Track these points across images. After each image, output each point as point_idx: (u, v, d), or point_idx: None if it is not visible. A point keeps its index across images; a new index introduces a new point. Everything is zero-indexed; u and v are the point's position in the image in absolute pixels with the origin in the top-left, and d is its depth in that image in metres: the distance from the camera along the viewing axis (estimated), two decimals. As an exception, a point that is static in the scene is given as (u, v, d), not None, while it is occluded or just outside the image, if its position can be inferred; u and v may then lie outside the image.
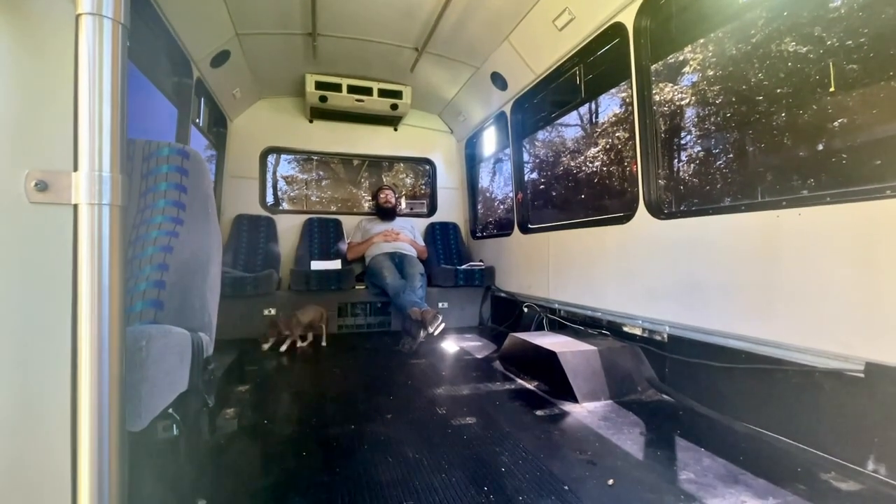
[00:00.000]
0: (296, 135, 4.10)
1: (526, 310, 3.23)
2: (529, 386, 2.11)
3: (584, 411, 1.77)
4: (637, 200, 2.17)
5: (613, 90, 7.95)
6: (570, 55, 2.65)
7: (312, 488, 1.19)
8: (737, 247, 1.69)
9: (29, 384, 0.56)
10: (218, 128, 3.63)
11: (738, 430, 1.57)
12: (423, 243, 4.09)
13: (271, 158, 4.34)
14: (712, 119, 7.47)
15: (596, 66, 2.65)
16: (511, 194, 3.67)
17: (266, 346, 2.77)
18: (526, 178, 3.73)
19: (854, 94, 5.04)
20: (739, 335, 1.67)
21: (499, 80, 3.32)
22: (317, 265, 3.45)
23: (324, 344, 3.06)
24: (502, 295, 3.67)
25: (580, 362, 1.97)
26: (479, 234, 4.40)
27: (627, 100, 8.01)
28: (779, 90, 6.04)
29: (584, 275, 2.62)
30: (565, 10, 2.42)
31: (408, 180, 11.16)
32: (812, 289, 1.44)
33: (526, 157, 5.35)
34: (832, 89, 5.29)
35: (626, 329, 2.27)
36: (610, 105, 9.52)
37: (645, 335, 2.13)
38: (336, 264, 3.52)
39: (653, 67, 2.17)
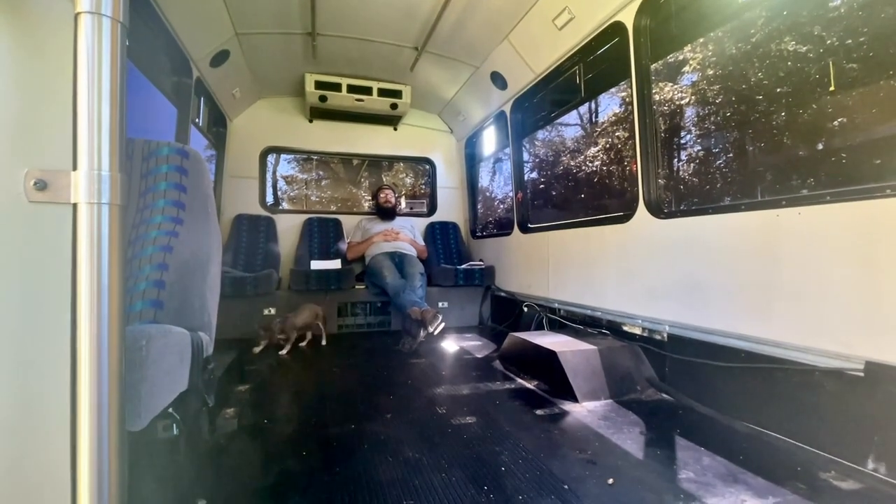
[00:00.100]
0: (295, 134, 4.10)
1: (526, 309, 3.23)
2: (529, 385, 2.11)
3: (584, 411, 1.77)
4: (637, 200, 2.17)
5: (613, 89, 7.95)
6: (569, 54, 2.65)
7: (312, 488, 1.19)
8: (737, 246, 1.69)
9: (28, 384, 0.56)
10: (217, 127, 3.62)
11: (737, 429, 1.57)
12: (422, 243, 4.08)
13: (271, 158, 4.34)
14: (712, 118, 7.47)
15: (595, 65, 2.64)
16: (511, 194, 3.67)
17: (257, 350, 2.73)
18: (526, 177, 3.73)
19: (854, 94, 5.04)
20: (739, 334, 1.67)
21: (498, 80, 3.32)
22: (317, 265, 3.45)
23: (324, 343, 3.05)
24: (502, 294, 3.67)
25: (580, 362, 1.97)
26: (478, 234, 4.40)
27: (627, 99, 8.01)
28: (778, 89, 6.05)
29: (584, 274, 2.62)
30: (565, 9, 2.41)
31: (408, 180, 11.17)
32: (812, 288, 1.44)
33: (526, 156, 5.35)
34: (832, 88, 5.30)
35: (625, 328, 2.27)
36: (610, 104, 9.54)
37: (645, 334, 2.13)
38: (336, 264, 3.52)
39: (652, 67, 2.17)
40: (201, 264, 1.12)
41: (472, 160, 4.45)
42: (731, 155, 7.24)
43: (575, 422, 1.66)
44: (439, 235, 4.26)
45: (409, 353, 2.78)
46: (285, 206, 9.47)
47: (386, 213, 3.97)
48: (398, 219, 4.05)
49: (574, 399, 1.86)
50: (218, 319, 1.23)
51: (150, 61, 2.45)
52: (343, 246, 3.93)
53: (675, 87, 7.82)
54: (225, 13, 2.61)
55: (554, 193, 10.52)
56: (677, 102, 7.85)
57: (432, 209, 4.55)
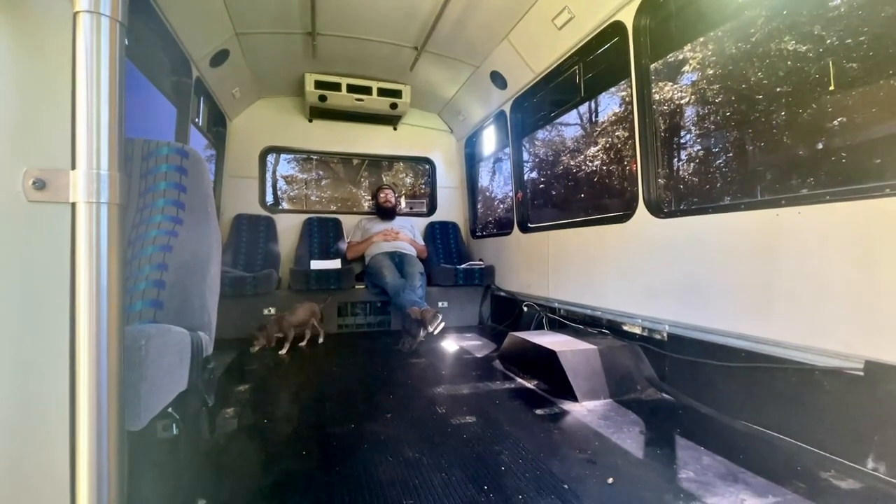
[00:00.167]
0: (295, 134, 4.09)
1: (526, 309, 3.23)
2: (529, 385, 2.11)
3: (584, 410, 1.77)
4: (637, 199, 2.17)
5: (613, 89, 7.95)
6: (569, 54, 2.65)
7: (312, 488, 1.19)
8: (736, 245, 1.69)
9: (27, 383, 0.56)
10: (217, 127, 3.62)
11: (737, 428, 1.57)
12: (422, 242, 4.08)
13: (271, 158, 4.34)
14: (712, 118, 7.47)
15: (595, 64, 2.64)
16: (511, 193, 3.67)
17: (254, 350, 2.72)
18: (525, 177, 3.73)
19: (853, 93, 5.04)
20: (739, 334, 1.67)
21: (498, 79, 3.32)
22: (316, 264, 3.45)
23: (321, 341, 3.05)
24: (502, 294, 3.67)
25: (580, 361, 1.96)
26: (478, 234, 4.40)
27: (627, 99, 8.01)
28: (778, 89, 6.05)
29: (584, 274, 2.62)
30: (565, 8, 2.41)
31: (407, 180, 11.16)
32: (812, 287, 1.44)
33: (525, 156, 5.34)
34: (832, 88, 5.30)
35: (625, 328, 2.27)
36: (609, 104, 9.54)
37: (645, 334, 2.13)
38: (336, 264, 3.52)
39: (652, 66, 2.17)
40: (201, 264, 1.12)
41: (471, 160, 4.45)
42: (730, 154, 7.24)
43: (575, 421, 1.66)
44: (439, 235, 4.26)
45: (409, 353, 2.78)
46: (285, 205, 9.46)
47: (386, 212, 3.97)
48: (398, 218, 4.05)
49: (574, 398, 1.86)
50: (218, 319, 1.23)
51: (150, 61, 2.44)
52: (343, 246, 3.93)
53: (675, 86, 7.82)
54: (225, 13, 2.61)
55: (554, 193, 10.52)
56: (677, 102, 7.84)
57: (432, 209, 4.55)
